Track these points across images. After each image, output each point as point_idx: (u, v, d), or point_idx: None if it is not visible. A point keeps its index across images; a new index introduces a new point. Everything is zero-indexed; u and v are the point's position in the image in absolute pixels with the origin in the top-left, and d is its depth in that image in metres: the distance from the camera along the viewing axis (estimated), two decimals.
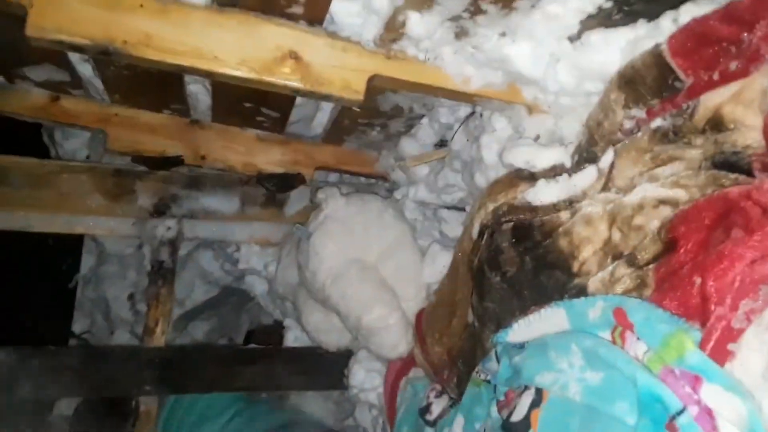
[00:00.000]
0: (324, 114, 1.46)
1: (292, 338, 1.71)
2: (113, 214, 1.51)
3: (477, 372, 1.22)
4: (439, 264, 1.39)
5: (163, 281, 1.55)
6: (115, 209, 1.51)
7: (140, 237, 1.56)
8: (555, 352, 0.92)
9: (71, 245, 2.07)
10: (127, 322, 2.06)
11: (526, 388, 1.05)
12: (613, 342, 0.84)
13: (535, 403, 1.03)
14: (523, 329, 1.02)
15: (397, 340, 1.37)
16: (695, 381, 0.69)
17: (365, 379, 1.54)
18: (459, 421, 1.22)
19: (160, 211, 1.53)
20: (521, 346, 1.05)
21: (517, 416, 1.06)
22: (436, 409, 1.35)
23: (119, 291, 2.07)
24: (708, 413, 0.68)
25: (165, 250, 1.55)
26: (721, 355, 0.70)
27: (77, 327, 2.06)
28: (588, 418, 0.92)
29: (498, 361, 1.16)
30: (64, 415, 1.96)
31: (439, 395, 1.38)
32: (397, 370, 1.51)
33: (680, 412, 0.68)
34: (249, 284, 1.84)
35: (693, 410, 0.68)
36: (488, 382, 1.18)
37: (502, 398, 1.11)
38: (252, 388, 1.61)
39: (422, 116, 1.38)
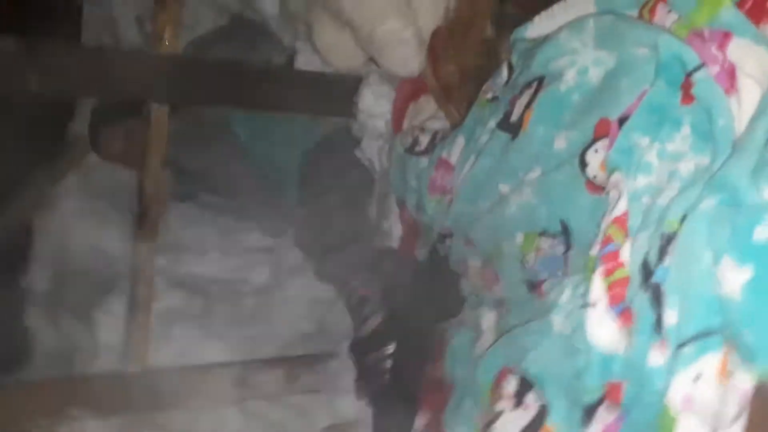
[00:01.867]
0: None
1: (303, 62, 1.67)
2: None
3: (484, 91, 1.20)
4: None
5: None
6: None
7: None
8: (568, 32, 0.89)
9: None
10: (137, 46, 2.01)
11: (528, 85, 1.03)
12: (641, 18, 0.79)
13: (529, 103, 1.02)
14: (544, 22, 0.98)
15: (409, 55, 1.33)
16: (724, 38, 0.66)
17: (374, 103, 1.53)
18: (459, 142, 1.22)
19: None
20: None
21: (515, 117, 1.06)
22: (424, 139, 1.35)
23: (127, 10, 2.00)
24: (730, 72, 0.65)
25: None
26: (757, 15, 0.66)
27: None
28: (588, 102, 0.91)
29: (510, 70, 1.13)
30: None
31: (421, 131, 1.36)
32: (405, 94, 1.49)
33: (697, 68, 0.66)
34: (259, 5, 1.76)
35: (713, 69, 0.66)
36: (495, 99, 1.16)
37: (506, 109, 1.10)
38: (262, 107, 1.61)
39: None
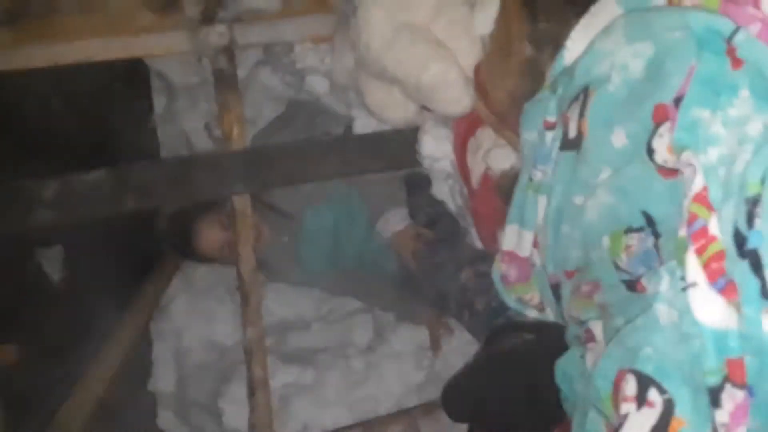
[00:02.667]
0: None
1: (360, 126, 1.76)
2: (165, 28, 1.55)
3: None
4: (490, 10, 1.35)
5: (227, 87, 1.60)
6: (165, 24, 1.54)
7: (197, 49, 1.59)
8: (601, 38, 0.91)
9: (140, 86, 2.17)
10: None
11: (575, 99, 1.05)
12: (670, 4, 0.81)
13: (582, 112, 1.04)
14: (576, 43, 1.00)
15: (459, 94, 1.38)
16: None
17: (435, 147, 1.58)
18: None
19: (208, 17, 1.54)
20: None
21: (572, 132, 1.08)
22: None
23: (195, 122, 2.18)
24: None
25: (222, 58, 1.59)
26: None
27: None
28: (639, 94, 0.92)
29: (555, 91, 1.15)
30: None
31: None
32: (463, 131, 1.53)
33: (735, 32, 0.66)
34: (310, 86, 1.87)
35: (754, 28, 0.66)
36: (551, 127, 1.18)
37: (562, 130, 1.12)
38: (332, 175, 1.70)
39: None
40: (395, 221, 1.88)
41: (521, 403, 1.25)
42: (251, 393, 1.65)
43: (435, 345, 1.95)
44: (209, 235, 1.89)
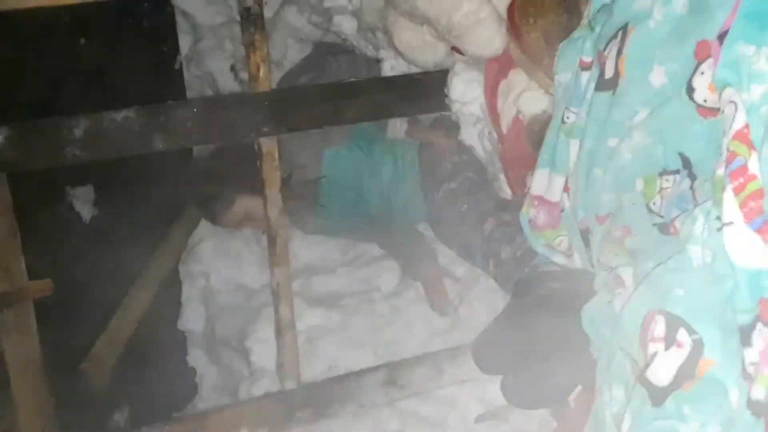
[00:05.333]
0: None
1: (389, 68, 1.73)
2: None
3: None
4: None
5: (254, 27, 1.57)
6: None
7: None
8: None
9: (166, 26, 2.15)
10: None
11: (614, 36, 1.02)
12: None
13: (620, 51, 1.01)
14: None
15: (491, 34, 1.34)
16: None
17: (465, 90, 1.55)
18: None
19: None
20: None
21: (609, 72, 1.04)
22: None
23: (221, 63, 2.16)
24: None
25: None
26: None
27: None
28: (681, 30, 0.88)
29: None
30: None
31: None
32: (494, 74, 1.50)
33: None
34: (338, 26, 1.84)
35: None
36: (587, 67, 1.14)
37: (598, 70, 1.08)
38: (360, 118, 1.68)
39: None
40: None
41: (552, 354, 1.25)
42: (278, 333, 1.68)
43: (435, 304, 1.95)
44: (231, 221, 1.96)
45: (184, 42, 2.22)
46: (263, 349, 1.87)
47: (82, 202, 1.70)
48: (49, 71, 1.56)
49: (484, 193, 1.71)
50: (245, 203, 1.94)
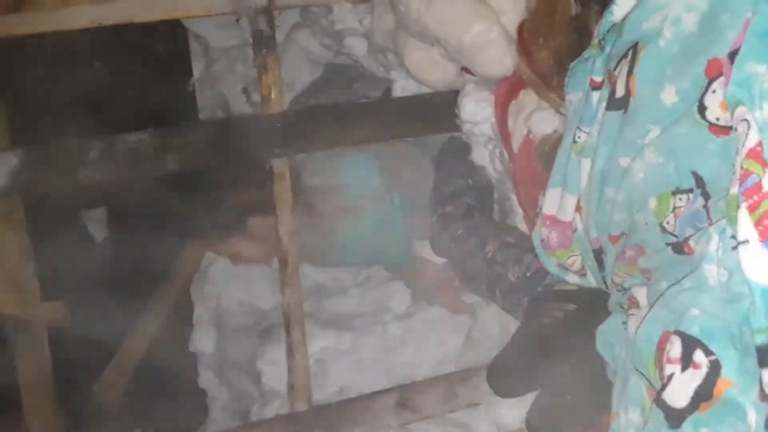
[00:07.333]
0: None
1: (400, 89, 1.74)
2: None
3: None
4: None
5: (266, 49, 1.59)
6: None
7: (236, 10, 1.59)
8: None
9: (179, 49, 2.18)
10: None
11: (624, 56, 1.02)
12: None
13: (630, 70, 1.01)
14: None
15: (501, 54, 1.35)
16: None
17: (476, 110, 1.55)
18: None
19: None
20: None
21: (620, 91, 1.04)
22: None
23: (233, 85, 2.19)
24: None
25: (261, 19, 1.58)
26: None
27: None
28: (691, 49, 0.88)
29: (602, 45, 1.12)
30: None
31: None
32: (504, 94, 1.50)
33: None
34: (349, 48, 1.86)
35: None
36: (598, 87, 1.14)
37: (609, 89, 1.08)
38: (371, 139, 1.69)
39: None
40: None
41: (568, 376, 1.24)
42: (290, 355, 1.67)
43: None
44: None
45: (197, 65, 2.25)
46: (274, 371, 1.86)
47: (95, 223, 1.71)
48: (64, 94, 1.58)
49: (482, 218, 1.66)
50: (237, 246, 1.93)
